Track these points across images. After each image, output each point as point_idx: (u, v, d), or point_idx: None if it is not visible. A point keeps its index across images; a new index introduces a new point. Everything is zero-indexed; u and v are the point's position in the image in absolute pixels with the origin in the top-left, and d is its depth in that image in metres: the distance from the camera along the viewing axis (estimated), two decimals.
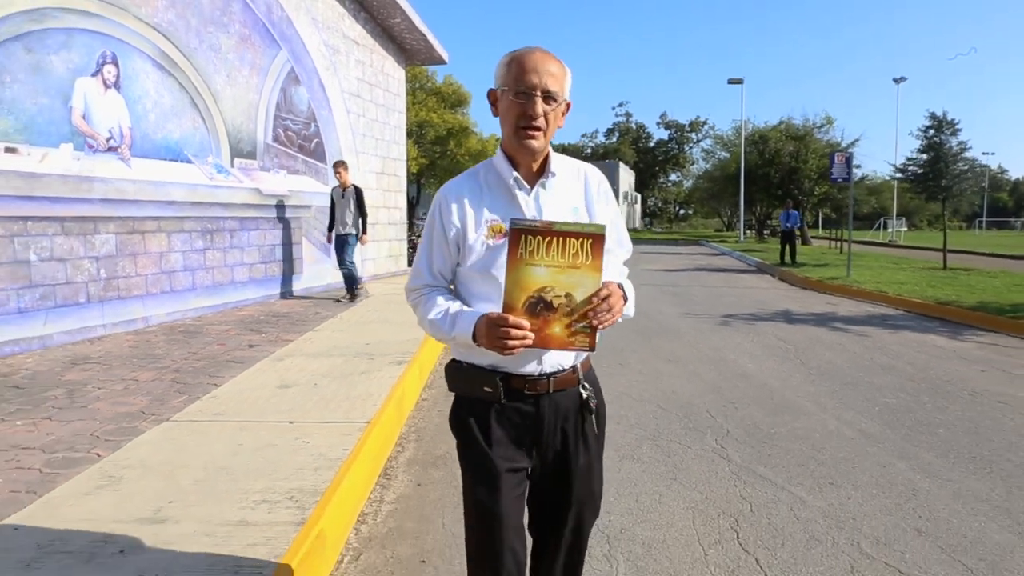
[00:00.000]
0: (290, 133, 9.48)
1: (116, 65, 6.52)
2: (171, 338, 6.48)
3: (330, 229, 9.17)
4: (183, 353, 5.81)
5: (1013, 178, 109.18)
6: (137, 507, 2.78)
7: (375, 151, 12.26)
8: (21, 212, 5.61)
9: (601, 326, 1.51)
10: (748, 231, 39.60)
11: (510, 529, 1.67)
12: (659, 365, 6.22)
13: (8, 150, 5.48)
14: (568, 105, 1.69)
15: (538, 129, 1.61)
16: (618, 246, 1.83)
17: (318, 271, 10.25)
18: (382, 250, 12.67)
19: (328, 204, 9.37)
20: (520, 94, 1.59)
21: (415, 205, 32.03)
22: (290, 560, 2.33)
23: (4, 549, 2.43)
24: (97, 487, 2.99)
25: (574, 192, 1.74)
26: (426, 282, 1.75)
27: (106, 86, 6.43)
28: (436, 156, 34.87)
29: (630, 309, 1.72)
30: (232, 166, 8.27)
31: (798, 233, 25.65)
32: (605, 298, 1.50)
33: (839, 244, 24.43)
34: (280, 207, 9.27)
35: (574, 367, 1.72)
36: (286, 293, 9.47)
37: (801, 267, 17.11)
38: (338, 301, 9.07)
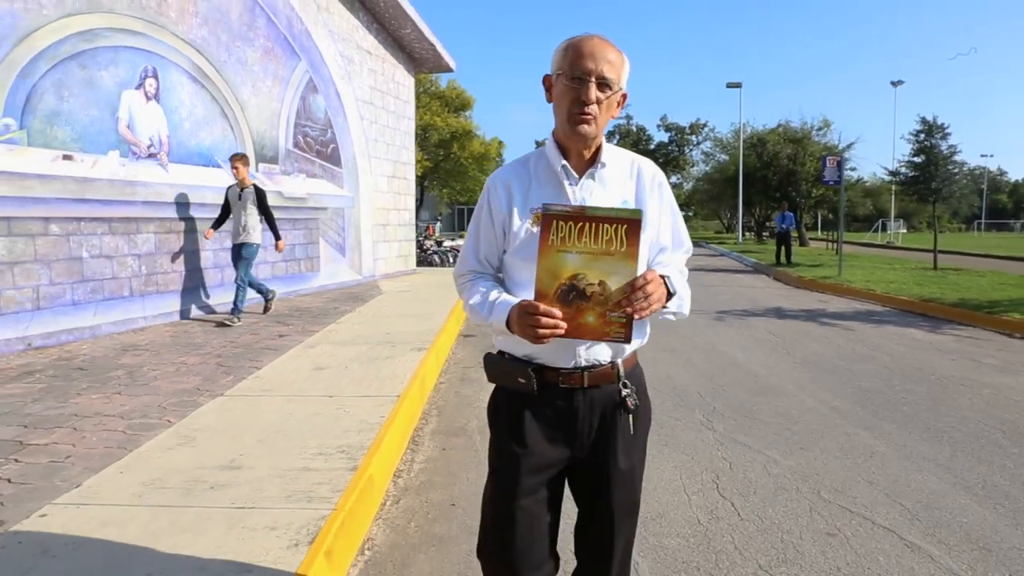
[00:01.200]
0: (309, 139, 10.05)
1: (156, 78, 7.10)
2: (206, 329, 7.05)
3: (215, 227, 7.56)
4: (221, 342, 6.37)
5: (1013, 180, 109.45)
6: (214, 458, 3.34)
7: (386, 155, 12.84)
8: (75, 213, 6.18)
9: (638, 316, 1.45)
10: (747, 233, 40.18)
11: (523, 533, 1.64)
12: (656, 354, 6.77)
13: (65, 157, 6.05)
14: (624, 96, 1.65)
15: (591, 115, 1.56)
16: (676, 246, 1.79)
17: (334, 269, 10.82)
18: (392, 250, 13.24)
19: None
20: (575, 79, 1.55)
21: (419, 207, 32.57)
22: (349, 495, 2.89)
23: (115, 488, 2.99)
24: (177, 444, 3.55)
25: (625, 184, 1.70)
26: (472, 268, 1.74)
27: (147, 98, 7.01)
28: (440, 159, 35.48)
29: (684, 307, 1.69)
30: (257, 170, 8.83)
31: (794, 234, 26.17)
32: (642, 286, 1.44)
33: (837, 246, 24.86)
34: (299, 209, 9.84)
35: (612, 363, 1.65)
36: (305, 290, 10.03)
37: (796, 267, 17.66)
38: (225, 324, 7.27)
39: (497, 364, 1.70)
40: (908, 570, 2.71)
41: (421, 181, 34.20)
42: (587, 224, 1.42)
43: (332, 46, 10.63)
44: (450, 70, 14.87)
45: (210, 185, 7.93)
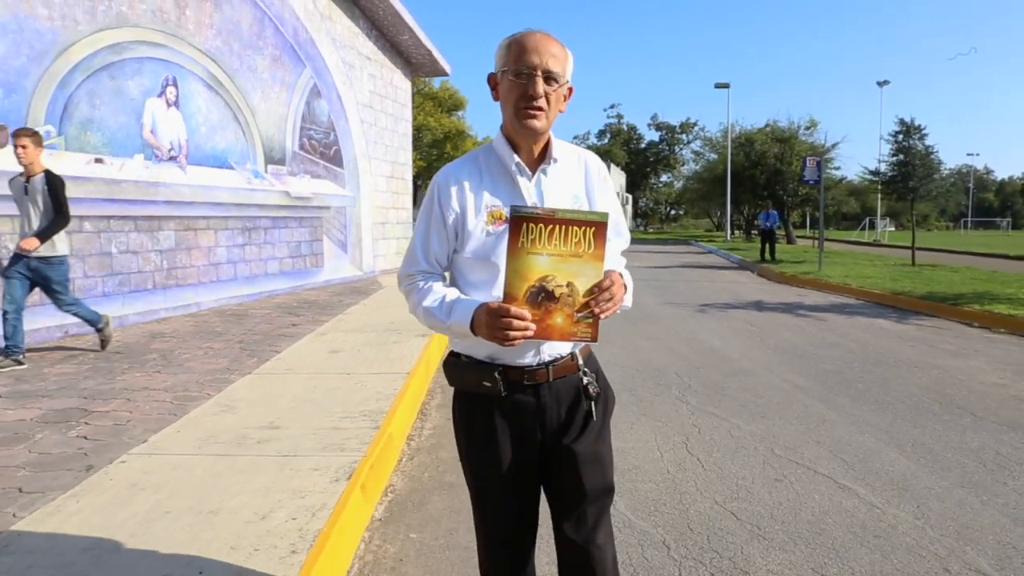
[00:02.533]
0: (313, 142, 10.59)
1: (176, 87, 7.64)
2: (224, 319, 7.59)
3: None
4: (239, 330, 6.92)
5: (999, 178, 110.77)
6: (255, 421, 3.90)
7: (385, 156, 13.38)
8: (105, 212, 6.71)
9: (603, 315, 1.48)
10: (737, 231, 40.89)
11: (517, 523, 1.73)
12: (640, 342, 7.36)
13: (97, 160, 6.59)
14: (570, 89, 1.65)
15: (539, 109, 1.57)
16: (616, 235, 1.79)
17: (337, 265, 11.37)
18: (391, 247, 13.79)
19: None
20: (520, 75, 1.56)
21: (412, 206, 33.07)
22: (374, 446, 3.46)
23: (176, 442, 3.55)
24: (220, 411, 4.11)
25: (575, 179, 1.71)
26: (421, 268, 1.70)
27: (168, 105, 7.54)
28: (433, 159, 36.05)
29: (628, 300, 1.67)
30: (266, 172, 9.38)
31: (780, 232, 26.79)
32: (607, 287, 1.47)
33: (821, 243, 25.57)
34: (305, 208, 10.38)
35: (572, 354, 1.68)
36: (310, 284, 10.57)
37: (779, 264, 18.31)
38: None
39: (459, 368, 1.68)
40: (837, 504, 3.30)
41: (415, 180, 34.75)
42: (557, 227, 1.44)
43: (334, 53, 11.17)
44: (445, 74, 15.43)
45: (224, 185, 8.47)
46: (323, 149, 10.91)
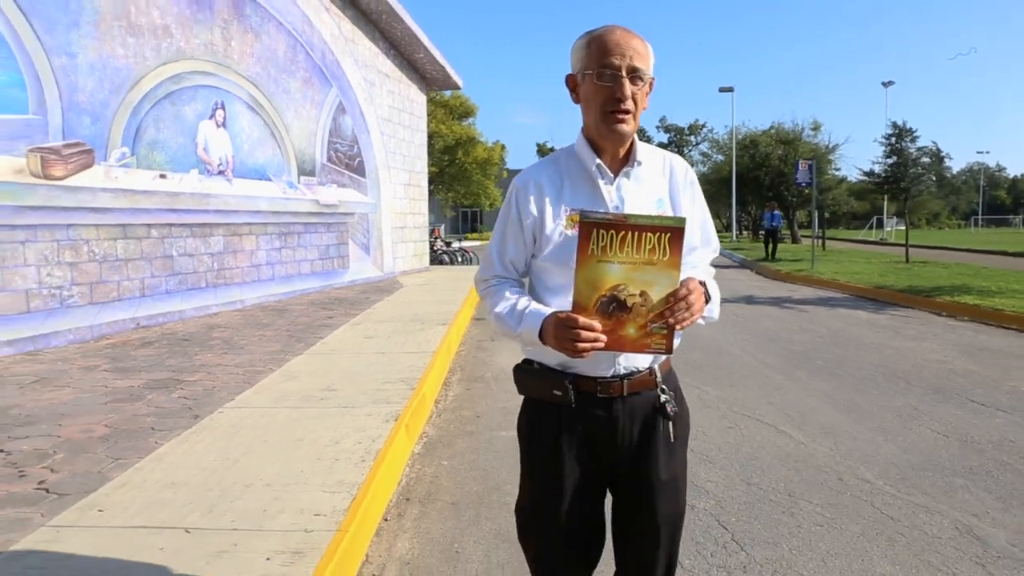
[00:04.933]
0: (339, 154, 11.64)
1: (224, 109, 8.69)
2: (267, 313, 8.62)
3: None
4: (283, 322, 7.94)
5: (1011, 176, 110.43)
6: (315, 386, 4.90)
7: (403, 166, 14.42)
8: (168, 221, 7.76)
9: (679, 326, 1.41)
10: (744, 231, 41.67)
11: (572, 546, 1.62)
12: None
13: (161, 176, 7.64)
14: (652, 82, 1.58)
15: (627, 112, 1.52)
16: (705, 244, 1.75)
17: (361, 266, 12.40)
18: (409, 250, 14.83)
19: None
20: (605, 76, 1.50)
21: None
22: (412, 400, 4.44)
23: (257, 400, 4.55)
24: (284, 380, 5.11)
25: (659, 182, 1.65)
26: (496, 273, 1.68)
27: (217, 125, 8.59)
28: (445, 164, 37.09)
29: (714, 311, 1.62)
30: (299, 182, 10.43)
31: (786, 232, 27.61)
32: (684, 297, 1.39)
33: (822, 242, 26.52)
34: (332, 214, 11.42)
35: (651, 369, 1.61)
36: (337, 284, 11.61)
37: (778, 262, 19.17)
38: None
39: (529, 376, 1.63)
40: (772, 442, 4.24)
41: (427, 186, 35.68)
42: (629, 233, 1.37)
43: (357, 72, 12.22)
44: (458, 87, 16.46)
45: (263, 195, 9.51)
46: (348, 160, 11.95)
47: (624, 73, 1.49)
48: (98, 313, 6.82)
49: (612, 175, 1.59)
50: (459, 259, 19.51)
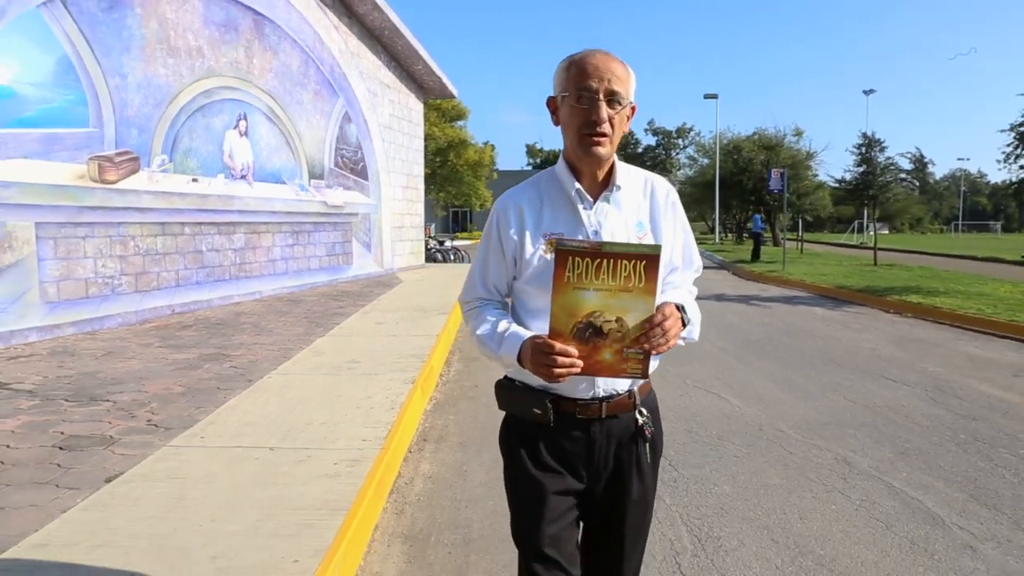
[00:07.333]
0: (345, 159, 12.61)
1: (246, 120, 9.65)
2: (284, 303, 9.60)
3: None
4: (300, 311, 8.91)
5: (992, 182, 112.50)
6: (341, 359, 5.89)
7: (401, 170, 15.41)
8: (198, 220, 8.72)
9: (655, 351, 1.42)
10: (729, 234, 42.89)
11: (558, 553, 1.59)
12: None
13: (193, 180, 8.60)
14: (633, 108, 1.60)
15: (604, 135, 1.53)
16: (687, 266, 1.76)
17: (363, 263, 13.39)
18: (407, 248, 15.82)
19: None
20: (583, 99, 1.51)
21: None
22: (423, 370, 5.44)
23: (296, 369, 5.54)
24: (314, 355, 6.10)
25: (639, 205, 1.65)
26: (479, 295, 1.71)
27: (240, 135, 9.55)
28: (437, 166, 38.06)
29: (694, 332, 1.63)
30: (309, 185, 11.40)
31: (768, 235, 28.76)
32: (660, 323, 1.40)
33: (800, 245, 27.76)
34: (338, 215, 12.40)
35: (630, 391, 1.62)
36: (342, 279, 12.58)
37: (755, 263, 20.29)
38: None
39: (510, 393, 1.66)
40: (714, 405, 5.28)
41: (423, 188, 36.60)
42: (605, 260, 1.37)
43: (362, 84, 13.19)
44: (453, 96, 17.46)
45: (279, 197, 10.49)
46: (352, 165, 12.92)
47: (602, 96, 1.51)
48: (142, 300, 7.78)
49: (591, 199, 1.61)
50: (451, 257, 20.53)
